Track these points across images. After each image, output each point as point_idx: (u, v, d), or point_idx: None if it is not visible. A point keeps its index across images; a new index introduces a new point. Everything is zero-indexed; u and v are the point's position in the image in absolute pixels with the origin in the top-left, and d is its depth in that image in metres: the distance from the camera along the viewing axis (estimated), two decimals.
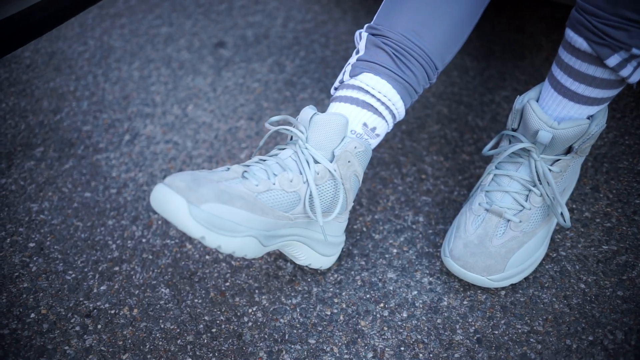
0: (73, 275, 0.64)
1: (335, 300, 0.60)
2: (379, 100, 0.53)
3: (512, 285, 0.60)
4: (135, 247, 0.67)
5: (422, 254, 0.64)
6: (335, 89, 0.56)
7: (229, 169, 0.50)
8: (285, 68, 0.94)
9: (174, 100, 0.89)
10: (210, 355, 0.56)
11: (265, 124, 0.54)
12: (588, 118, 0.56)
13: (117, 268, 0.64)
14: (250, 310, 0.60)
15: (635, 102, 0.79)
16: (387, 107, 0.54)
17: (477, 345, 0.55)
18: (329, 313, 0.59)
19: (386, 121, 0.55)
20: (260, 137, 0.81)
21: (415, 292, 0.61)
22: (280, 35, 1.01)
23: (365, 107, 0.53)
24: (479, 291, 0.60)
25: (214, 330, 0.58)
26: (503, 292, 0.60)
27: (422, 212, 0.69)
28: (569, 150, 0.58)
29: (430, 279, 0.62)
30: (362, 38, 0.55)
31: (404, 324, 0.58)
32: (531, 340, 0.55)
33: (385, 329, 0.58)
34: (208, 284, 0.63)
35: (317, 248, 0.57)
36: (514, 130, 0.59)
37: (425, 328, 0.57)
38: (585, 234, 0.64)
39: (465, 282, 0.61)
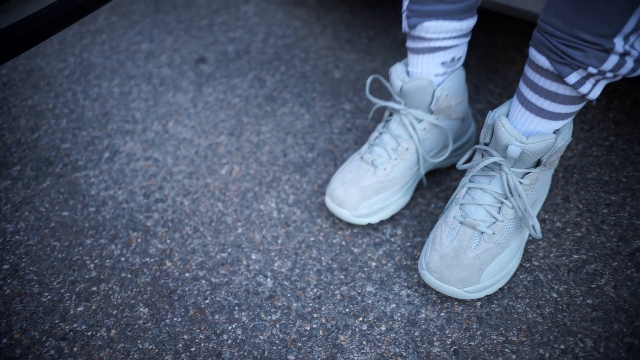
0: (49, 296, 0.63)
1: (315, 315, 0.61)
2: (444, 39, 0.61)
3: (487, 296, 0.61)
4: (114, 266, 0.67)
5: (400, 267, 0.65)
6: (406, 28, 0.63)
7: (362, 157, 0.68)
8: (266, 83, 0.95)
9: (154, 117, 0.89)
10: None
11: (370, 97, 0.67)
12: (555, 132, 0.57)
13: (94, 288, 0.64)
14: (229, 328, 0.60)
15: (601, 114, 0.82)
16: (454, 38, 0.61)
17: (453, 357, 0.56)
18: (308, 328, 0.60)
19: (461, 45, 0.63)
20: (241, 153, 0.82)
21: (394, 305, 0.61)
22: (261, 50, 1.02)
23: (435, 50, 0.62)
24: (455, 303, 0.61)
25: (193, 349, 0.58)
26: (479, 303, 0.61)
27: (400, 225, 0.70)
28: (538, 163, 0.60)
29: (408, 291, 0.63)
30: None
31: (383, 338, 0.58)
32: (506, 350, 0.56)
33: (364, 343, 0.58)
34: (187, 301, 0.63)
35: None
36: (486, 144, 0.60)
37: (404, 341, 0.58)
38: (557, 243, 0.66)
39: (443, 294, 0.62)
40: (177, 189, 0.77)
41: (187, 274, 0.66)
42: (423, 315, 0.60)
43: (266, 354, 0.58)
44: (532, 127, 0.57)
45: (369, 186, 0.66)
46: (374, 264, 0.66)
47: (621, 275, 0.62)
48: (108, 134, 0.85)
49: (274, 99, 0.91)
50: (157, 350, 0.58)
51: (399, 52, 0.98)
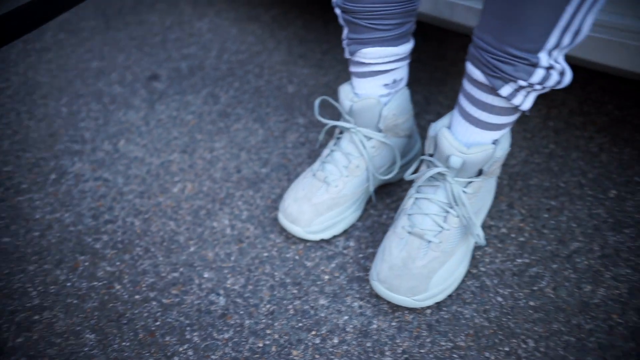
0: None
1: (268, 332, 0.61)
2: (383, 63, 0.63)
3: (437, 303, 0.62)
4: (59, 292, 0.64)
5: (353, 279, 0.66)
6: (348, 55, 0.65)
7: (314, 174, 0.69)
8: (220, 99, 0.94)
9: (104, 136, 0.87)
10: None
11: (319, 118, 0.69)
12: (494, 142, 0.60)
13: (37, 317, 0.62)
14: (180, 349, 0.59)
15: (542, 123, 0.86)
16: (393, 62, 0.63)
17: None
18: (261, 345, 0.59)
19: (400, 68, 0.65)
20: (194, 170, 0.81)
21: (346, 317, 0.62)
22: (215, 66, 1.02)
23: (376, 74, 0.64)
24: (406, 312, 0.62)
25: None
26: (429, 311, 0.62)
27: (352, 237, 0.71)
28: (480, 173, 0.62)
29: (361, 302, 0.63)
30: (339, 16, 0.64)
31: (335, 350, 0.59)
32: (454, 355, 0.58)
33: (317, 356, 0.58)
34: (137, 325, 0.61)
35: None
36: (430, 155, 0.62)
37: (356, 352, 0.58)
38: (502, 249, 0.68)
39: (394, 304, 0.63)
40: (127, 209, 0.75)
41: (137, 296, 0.64)
42: (375, 326, 0.61)
43: None
44: (472, 137, 0.59)
45: (322, 203, 0.67)
46: (327, 277, 0.66)
47: (560, 277, 0.65)
48: (55, 155, 0.83)
49: (227, 115, 0.91)
50: None
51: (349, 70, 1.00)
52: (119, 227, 0.73)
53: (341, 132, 0.70)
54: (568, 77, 0.52)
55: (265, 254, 0.69)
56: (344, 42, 0.64)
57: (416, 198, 0.63)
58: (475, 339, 0.59)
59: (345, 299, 0.64)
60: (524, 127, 0.85)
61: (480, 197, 0.64)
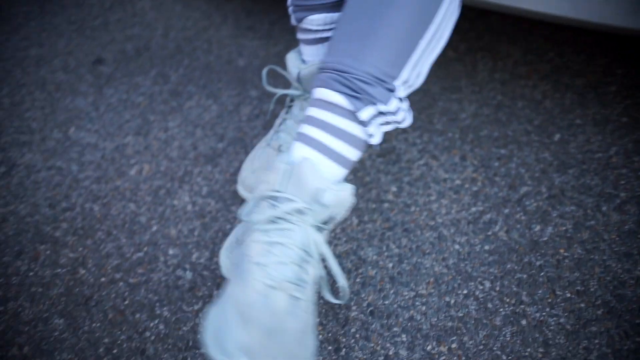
0: None
1: None
2: (330, 30, 0.60)
3: (398, 256, 0.65)
4: (22, 282, 0.64)
5: None
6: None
7: (269, 144, 0.64)
8: (170, 78, 0.93)
9: (53, 125, 0.85)
10: None
11: (268, 88, 0.65)
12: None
13: (1, 308, 0.61)
14: (151, 324, 0.60)
15: (489, 76, 0.89)
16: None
17: (370, 317, 0.60)
18: None
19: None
20: (150, 151, 0.80)
21: None
22: (162, 45, 1.00)
23: (323, 41, 0.61)
24: (369, 267, 0.65)
25: (115, 351, 0.58)
26: (390, 264, 0.65)
27: None
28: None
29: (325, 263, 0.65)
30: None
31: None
32: (417, 303, 0.61)
33: None
34: (106, 305, 0.62)
35: None
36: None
37: (323, 310, 0.61)
38: (457, 200, 0.71)
39: (358, 262, 0.65)
40: (85, 196, 0.74)
41: (103, 279, 0.64)
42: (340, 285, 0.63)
43: (191, 343, 0.58)
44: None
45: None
46: None
47: (512, 220, 0.68)
48: (1, 148, 0.80)
49: (179, 93, 0.90)
50: (77, 359, 0.57)
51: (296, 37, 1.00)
52: (78, 213, 0.72)
53: (292, 100, 0.71)
54: (408, 120, 0.52)
55: (228, 226, 0.70)
56: (290, 9, 0.63)
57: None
58: (436, 285, 0.62)
59: None
60: (472, 81, 0.88)
61: None
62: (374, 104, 0.50)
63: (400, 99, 0.52)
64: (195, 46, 0.99)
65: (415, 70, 0.51)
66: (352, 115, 0.50)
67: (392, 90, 0.50)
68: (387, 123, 0.52)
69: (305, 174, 0.49)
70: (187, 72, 0.94)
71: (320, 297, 0.61)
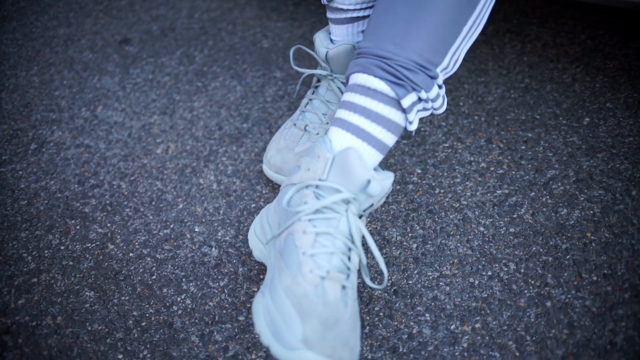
0: None
1: (262, 277, 0.63)
2: (360, 9, 0.62)
3: (422, 237, 0.65)
4: (54, 255, 0.66)
5: None
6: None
7: (295, 124, 0.66)
8: (195, 59, 0.93)
9: (81, 103, 0.86)
10: (142, 347, 0.57)
11: (296, 68, 0.68)
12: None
13: (35, 280, 0.63)
14: (178, 299, 0.61)
15: (517, 58, 0.87)
16: (370, 7, 0.62)
17: (394, 297, 0.60)
18: (256, 289, 0.62)
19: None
20: (175, 131, 0.81)
21: None
22: (187, 26, 1.00)
23: (353, 21, 0.63)
24: (393, 248, 0.65)
25: (143, 323, 0.59)
26: (415, 245, 0.65)
27: None
28: None
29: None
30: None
31: None
32: (440, 283, 0.61)
33: None
34: (134, 280, 0.63)
35: None
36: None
37: None
38: (482, 182, 0.71)
39: (382, 242, 0.65)
40: (112, 173, 0.76)
41: (131, 254, 0.66)
42: (363, 262, 0.63)
43: (217, 318, 0.59)
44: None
45: (304, 151, 0.68)
46: None
47: (537, 203, 0.67)
48: (32, 125, 0.82)
49: (204, 74, 0.90)
50: (107, 330, 0.58)
51: (326, 16, 0.99)
52: (106, 190, 0.73)
53: (319, 81, 0.71)
54: (444, 107, 0.53)
55: (253, 205, 0.71)
56: None
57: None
58: (460, 266, 0.62)
59: None
60: (500, 64, 0.86)
61: None
62: (417, 90, 0.49)
63: (440, 86, 0.51)
64: (220, 27, 0.99)
65: (455, 57, 0.51)
66: (394, 102, 0.50)
67: (434, 78, 0.50)
68: (425, 109, 0.52)
69: (352, 163, 0.48)
70: (212, 53, 0.94)
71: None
